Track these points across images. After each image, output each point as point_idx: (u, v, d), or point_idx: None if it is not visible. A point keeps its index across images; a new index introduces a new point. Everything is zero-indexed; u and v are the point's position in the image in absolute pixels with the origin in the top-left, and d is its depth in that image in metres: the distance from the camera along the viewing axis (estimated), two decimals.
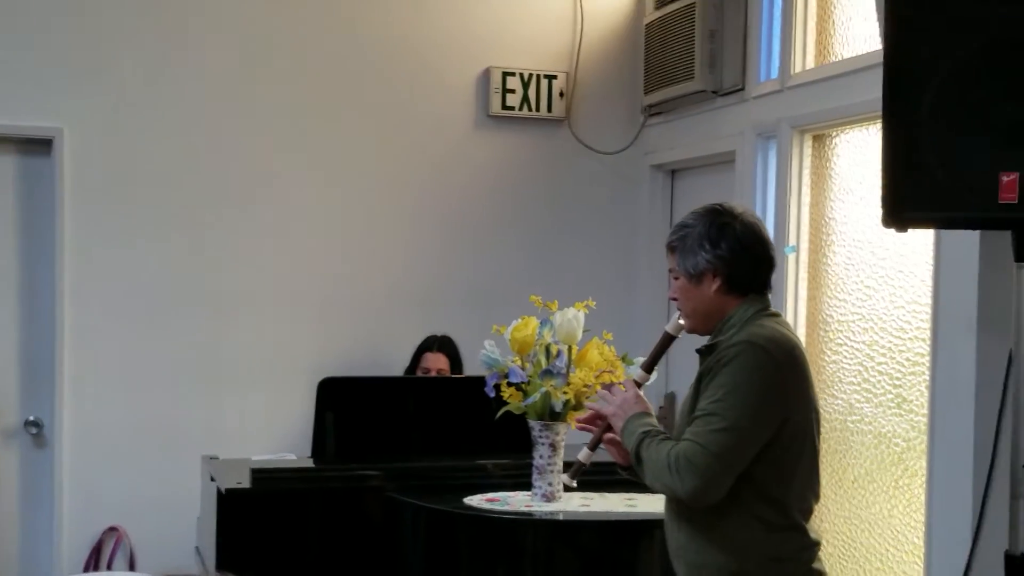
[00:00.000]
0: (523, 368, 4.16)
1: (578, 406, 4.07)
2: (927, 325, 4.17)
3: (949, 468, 3.93)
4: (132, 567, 5.79)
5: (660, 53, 5.97)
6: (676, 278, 3.37)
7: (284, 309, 6.00)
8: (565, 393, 4.08)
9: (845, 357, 4.81)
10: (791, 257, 5.07)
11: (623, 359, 4.15)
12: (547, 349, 4.17)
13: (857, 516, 4.68)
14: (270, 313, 5.99)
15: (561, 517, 4.13)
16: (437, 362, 5.77)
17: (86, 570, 5.74)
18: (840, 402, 4.80)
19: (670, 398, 6.06)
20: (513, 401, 4.14)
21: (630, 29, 6.39)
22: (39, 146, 5.76)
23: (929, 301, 4.13)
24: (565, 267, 6.30)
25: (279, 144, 5.99)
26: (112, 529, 5.83)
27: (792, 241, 5.07)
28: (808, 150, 5.07)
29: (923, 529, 4.11)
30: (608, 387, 3.51)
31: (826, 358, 4.94)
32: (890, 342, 4.51)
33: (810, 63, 5.11)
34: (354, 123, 6.08)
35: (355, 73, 6.09)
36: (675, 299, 3.41)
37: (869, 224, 4.67)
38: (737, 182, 5.43)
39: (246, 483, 4.36)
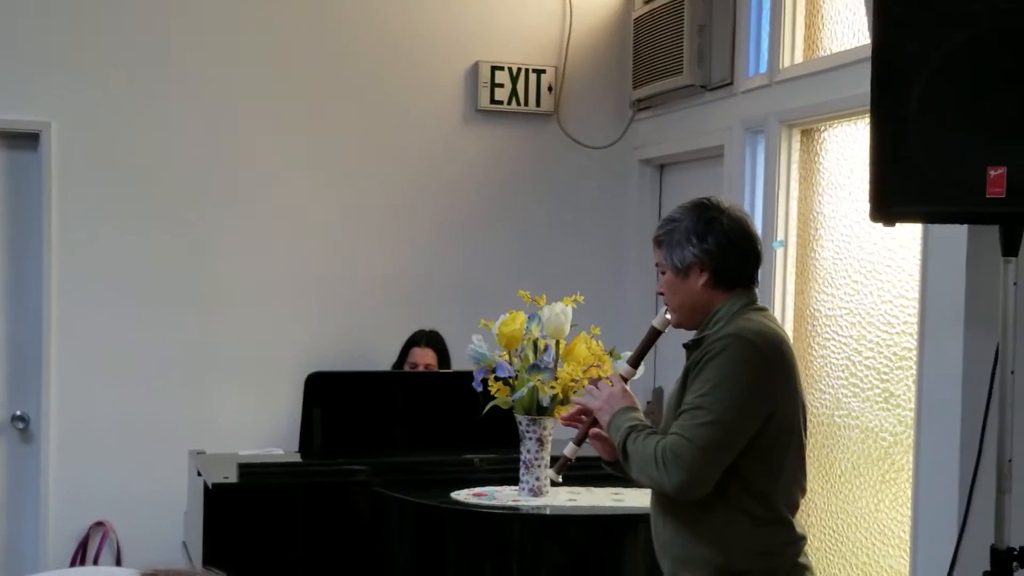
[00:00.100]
0: (511, 363, 4.15)
1: (565, 401, 4.06)
2: (914, 320, 4.17)
3: (936, 462, 3.93)
4: (119, 562, 5.79)
5: (649, 48, 5.96)
6: (663, 272, 3.37)
7: (272, 304, 5.99)
8: (552, 388, 4.08)
9: (832, 351, 4.81)
10: (779, 251, 5.07)
11: (611, 353, 4.15)
12: (535, 344, 4.17)
13: (844, 510, 4.69)
14: (258, 308, 5.98)
15: (548, 512, 4.13)
16: (425, 357, 5.76)
17: (72, 565, 5.73)
18: (827, 396, 4.80)
19: (658, 392, 6.06)
20: (500, 396, 4.14)
21: (619, 24, 6.39)
22: (26, 140, 5.74)
23: (916, 296, 4.13)
24: (553, 261, 6.29)
25: (267, 139, 5.97)
26: (99, 524, 5.82)
27: (780, 235, 5.07)
28: (796, 144, 5.07)
29: (909, 523, 4.12)
30: (595, 382, 3.51)
31: (813, 352, 4.94)
32: (877, 336, 4.51)
33: (798, 58, 5.11)
34: (341, 118, 6.07)
35: (342, 68, 6.07)
36: (662, 293, 3.41)
37: (857, 218, 4.67)
38: (725, 177, 5.43)
39: (233, 478, 4.36)
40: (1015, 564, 3.19)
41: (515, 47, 6.28)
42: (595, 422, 3.44)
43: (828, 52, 4.95)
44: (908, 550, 4.14)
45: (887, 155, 3.14)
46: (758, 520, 3.19)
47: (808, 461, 3.34)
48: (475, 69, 6.23)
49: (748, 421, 3.12)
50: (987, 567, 3.21)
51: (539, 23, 6.32)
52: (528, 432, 4.16)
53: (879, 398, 4.49)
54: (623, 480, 3.46)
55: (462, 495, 4.22)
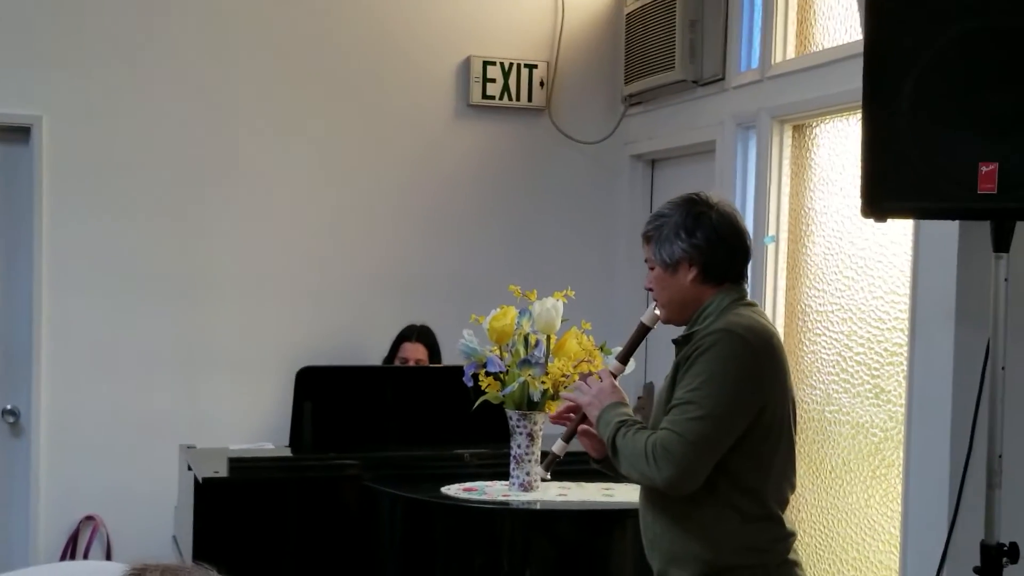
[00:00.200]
0: (501, 357, 4.16)
1: (556, 396, 4.07)
2: (905, 315, 4.17)
3: (926, 458, 3.93)
4: (109, 556, 5.78)
5: (641, 43, 5.96)
6: (652, 268, 3.37)
7: (263, 299, 5.98)
8: (543, 383, 4.08)
9: (823, 347, 4.81)
10: (770, 247, 5.07)
11: (602, 349, 4.15)
12: (525, 339, 4.18)
13: (834, 506, 4.69)
14: (249, 302, 5.97)
15: (538, 506, 4.13)
16: (415, 352, 5.75)
17: (62, 559, 5.72)
18: (818, 392, 4.81)
19: (649, 388, 6.06)
20: (491, 391, 4.14)
21: (611, 18, 6.38)
22: (17, 134, 5.73)
23: (908, 291, 4.13)
24: (544, 256, 6.29)
25: (259, 134, 5.96)
26: (89, 518, 5.81)
27: (771, 231, 5.07)
28: (788, 140, 5.07)
29: (899, 519, 4.12)
30: (584, 377, 3.51)
31: (804, 348, 4.94)
32: (868, 332, 4.51)
33: (791, 53, 5.11)
34: (333, 112, 6.06)
35: (333, 63, 6.06)
36: (651, 289, 3.41)
37: (848, 214, 4.67)
38: (717, 172, 5.43)
39: (223, 472, 4.36)
40: (1005, 560, 3.19)
41: (507, 42, 6.28)
42: (584, 419, 3.44)
43: (820, 47, 4.95)
44: (898, 546, 4.14)
45: (879, 151, 3.14)
46: (748, 516, 3.19)
47: (799, 457, 3.35)
48: (467, 64, 6.22)
49: (738, 416, 3.12)
50: (977, 563, 3.22)
51: (531, 18, 6.32)
52: (518, 427, 4.16)
53: (870, 394, 4.50)
54: (612, 477, 3.46)
55: (452, 490, 4.23)
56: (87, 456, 5.76)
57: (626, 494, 4.08)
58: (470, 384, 4.18)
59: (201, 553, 4.24)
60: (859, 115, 3.26)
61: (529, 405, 4.14)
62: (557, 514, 4.13)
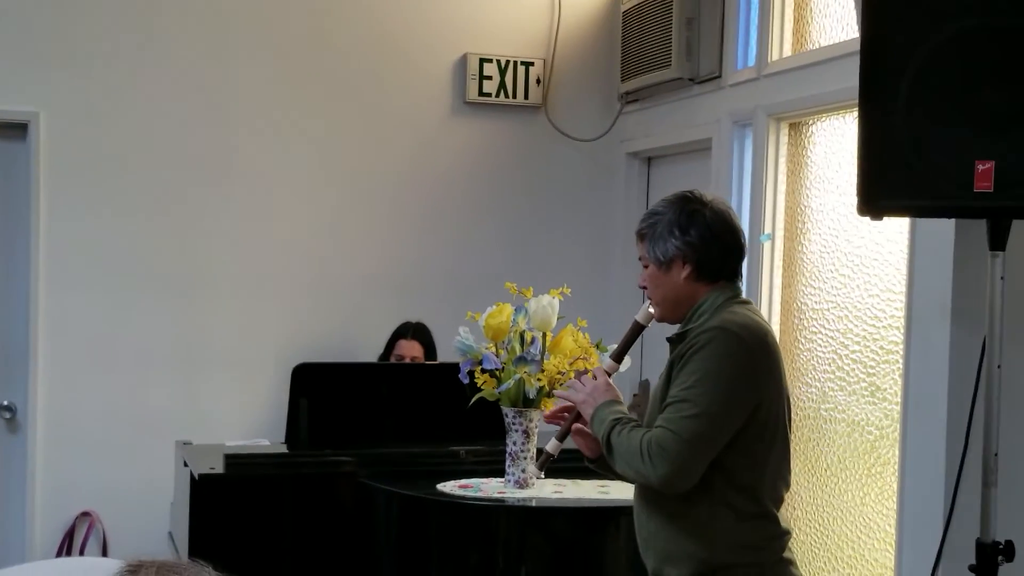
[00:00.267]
0: (497, 355, 4.16)
1: (552, 393, 4.07)
2: (901, 313, 4.17)
3: (921, 456, 3.94)
4: (105, 552, 5.78)
5: (637, 40, 5.96)
6: (646, 266, 3.37)
7: (259, 296, 5.98)
8: (539, 380, 4.09)
9: (819, 345, 4.82)
10: (766, 245, 5.07)
11: (597, 346, 4.15)
12: (521, 336, 4.17)
13: (829, 504, 4.69)
14: (246, 299, 5.97)
15: (534, 503, 4.14)
16: (411, 349, 5.75)
17: (59, 555, 5.72)
18: (814, 390, 4.81)
19: (644, 385, 6.06)
20: (487, 388, 4.14)
21: (607, 16, 6.38)
22: (14, 130, 5.72)
23: (903, 289, 4.13)
24: (540, 254, 6.29)
25: (256, 131, 5.96)
26: (85, 514, 5.81)
27: (768, 229, 5.07)
28: (784, 138, 5.07)
29: (895, 517, 4.12)
30: (579, 375, 3.51)
31: (800, 346, 4.94)
32: (864, 330, 4.51)
33: (787, 51, 5.11)
34: (329, 110, 6.06)
35: (330, 60, 6.06)
36: (644, 287, 3.41)
37: (844, 212, 4.68)
38: (713, 170, 5.43)
39: (219, 469, 4.36)
40: (1000, 558, 3.19)
41: (503, 39, 6.27)
42: (577, 417, 3.44)
43: (817, 46, 4.95)
44: (894, 544, 4.14)
45: (875, 149, 3.14)
46: (743, 514, 3.19)
47: (794, 455, 3.35)
48: (463, 61, 6.22)
49: (733, 414, 3.13)
50: (972, 561, 3.22)
51: (527, 15, 6.32)
52: (514, 424, 4.16)
53: (865, 392, 4.50)
54: (606, 476, 3.46)
55: (448, 487, 4.23)
56: (83, 452, 5.76)
57: (621, 491, 4.08)
58: (466, 381, 4.18)
59: (197, 549, 4.25)
60: (855, 113, 3.25)
61: (525, 402, 4.14)
62: (552, 511, 4.13)
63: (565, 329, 4.20)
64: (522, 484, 4.18)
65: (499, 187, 6.30)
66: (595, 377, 3.42)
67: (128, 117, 5.79)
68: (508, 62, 6.26)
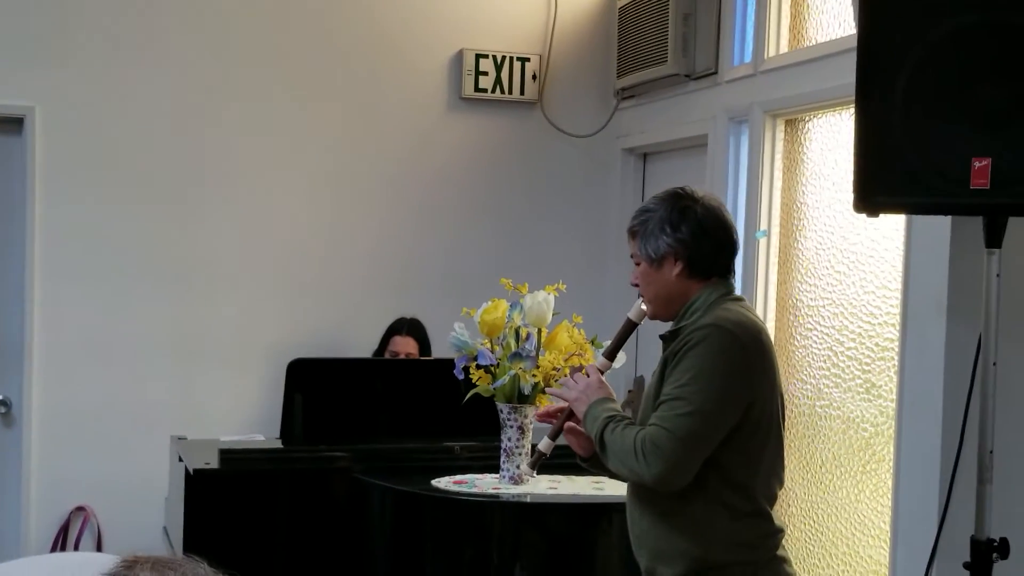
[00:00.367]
0: (492, 351, 4.15)
1: (546, 391, 4.07)
2: (897, 310, 4.17)
3: (917, 453, 3.94)
4: (99, 547, 5.78)
5: (633, 36, 5.96)
6: (638, 263, 3.36)
7: (255, 290, 5.98)
8: (534, 376, 4.08)
9: (814, 342, 4.82)
10: (762, 241, 5.07)
11: (592, 342, 4.15)
12: (516, 332, 4.17)
13: (824, 501, 4.69)
14: (241, 294, 5.97)
15: (528, 499, 4.13)
16: (406, 345, 5.75)
17: (53, 550, 5.72)
18: (809, 387, 4.81)
19: (639, 382, 6.06)
20: (482, 384, 4.14)
21: (604, 12, 6.37)
22: (10, 125, 5.72)
23: (899, 286, 4.13)
24: (536, 250, 6.29)
25: (251, 126, 5.96)
26: (80, 509, 5.81)
27: (763, 225, 5.07)
28: (780, 134, 5.07)
29: (890, 514, 4.12)
30: (574, 371, 3.51)
31: (795, 343, 4.94)
32: (859, 327, 4.51)
33: (783, 47, 5.10)
34: (326, 106, 6.06)
35: (327, 55, 6.06)
36: (636, 285, 3.40)
37: (840, 209, 4.67)
38: (709, 166, 5.42)
39: (214, 464, 4.37)
40: (995, 555, 3.19)
41: (499, 35, 6.27)
42: (570, 416, 3.43)
43: (813, 42, 4.95)
44: (888, 541, 4.14)
45: (871, 145, 3.13)
46: (737, 512, 3.19)
47: (789, 452, 3.35)
48: (459, 57, 6.21)
49: (727, 411, 3.12)
50: (967, 558, 3.22)
51: (524, 11, 6.31)
52: (509, 420, 4.16)
53: (861, 389, 4.50)
54: (599, 474, 3.46)
55: (443, 482, 4.22)
56: (78, 447, 5.76)
57: (616, 488, 4.07)
58: (461, 377, 4.18)
59: (191, 544, 4.25)
60: (852, 110, 3.26)
61: (520, 398, 4.14)
62: (547, 507, 4.13)
63: (560, 325, 4.19)
64: (517, 480, 4.18)
65: (495, 183, 6.30)
66: (588, 375, 3.41)
67: (123, 112, 5.78)
68: (504, 58, 6.25)
